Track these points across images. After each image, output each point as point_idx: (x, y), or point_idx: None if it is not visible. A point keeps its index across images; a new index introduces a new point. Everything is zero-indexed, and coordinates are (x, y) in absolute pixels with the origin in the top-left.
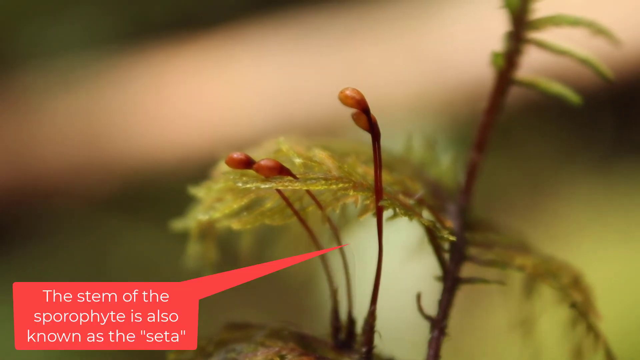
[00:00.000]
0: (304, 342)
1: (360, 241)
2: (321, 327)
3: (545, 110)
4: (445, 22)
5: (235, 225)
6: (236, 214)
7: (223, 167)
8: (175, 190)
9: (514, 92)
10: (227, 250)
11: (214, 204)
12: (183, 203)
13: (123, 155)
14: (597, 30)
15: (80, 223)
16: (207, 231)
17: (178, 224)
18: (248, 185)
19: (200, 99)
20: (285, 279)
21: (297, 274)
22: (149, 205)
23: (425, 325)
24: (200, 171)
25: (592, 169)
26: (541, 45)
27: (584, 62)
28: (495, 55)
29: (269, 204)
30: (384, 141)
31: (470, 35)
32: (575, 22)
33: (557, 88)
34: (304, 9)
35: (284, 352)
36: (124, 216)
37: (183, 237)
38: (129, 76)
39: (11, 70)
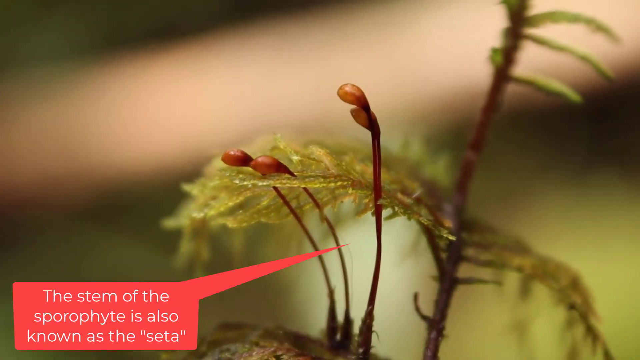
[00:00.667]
0: (299, 343)
1: (352, 240)
2: (304, 328)
3: (521, 120)
4: (420, 32)
5: (230, 223)
6: (231, 211)
7: (216, 164)
8: (150, 200)
9: None
10: (215, 248)
11: (209, 202)
12: (158, 212)
13: (99, 165)
14: (597, 27)
15: (56, 233)
16: (199, 229)
17: (170, 222)
18: (245, 183)
19: (175, 108)
20: (270, 280)
21: (282, 274)
22: (124, 215)
23: (416, 325)
24: (176, 181)
25: (566, 179)
26: (539, 41)
27: (583, 59)
28: (494, 52)
29: (265, 202)
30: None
31: (445, 45)
32: (574, 19)
33: (556, 86)
34: (280, 19)
35: (279, 353)
36: (100, 226)
37: (159, 246)
38: (105, 86)
39: None
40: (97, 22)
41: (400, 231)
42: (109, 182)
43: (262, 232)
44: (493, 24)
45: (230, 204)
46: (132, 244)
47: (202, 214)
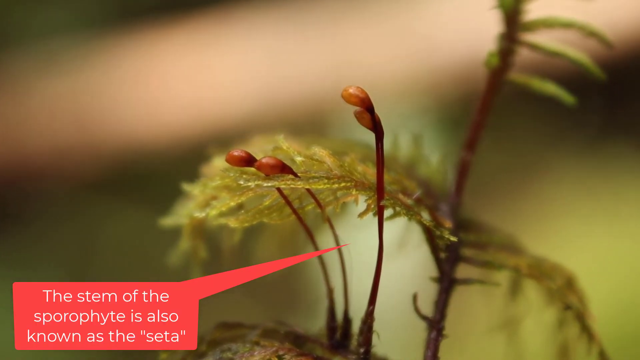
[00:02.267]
0: (299, 342)
1: (344, 237)
2: (304, 319)
3: (534, 91)
4: (434, 3)
5: (232, 223)
6: (232, 212)
7: (216, 163)
8: (163, 172)
9: None
10: (210, 244)
11: (210, 201)
12: (171, 184)
13: (111, 137)
14: (590, 32)
15: (69, 204)
16: (198, 228)
17: (168, 220)
18: (249, 184)
19: (188, 80)
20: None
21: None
22: (137, 187)
23: (412, 323)
24: (189, 153)
25: (580, 150)
26: (534, 46)
27: (576, 62)
28: (490, 55)
29: (267, 202)
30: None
31: (459, 16)
32: (568, 24)
33: (551, 88)
34: None
35: (281, 352)
36: (113, 197)
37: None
38: (117, 58)
39: (0, 52)
40: None
41: (390, 230)
42: (122, 153)
43: (259, 232)
44: None
45: (232, 204)
46: (144, 215)
47: (204, 214)
